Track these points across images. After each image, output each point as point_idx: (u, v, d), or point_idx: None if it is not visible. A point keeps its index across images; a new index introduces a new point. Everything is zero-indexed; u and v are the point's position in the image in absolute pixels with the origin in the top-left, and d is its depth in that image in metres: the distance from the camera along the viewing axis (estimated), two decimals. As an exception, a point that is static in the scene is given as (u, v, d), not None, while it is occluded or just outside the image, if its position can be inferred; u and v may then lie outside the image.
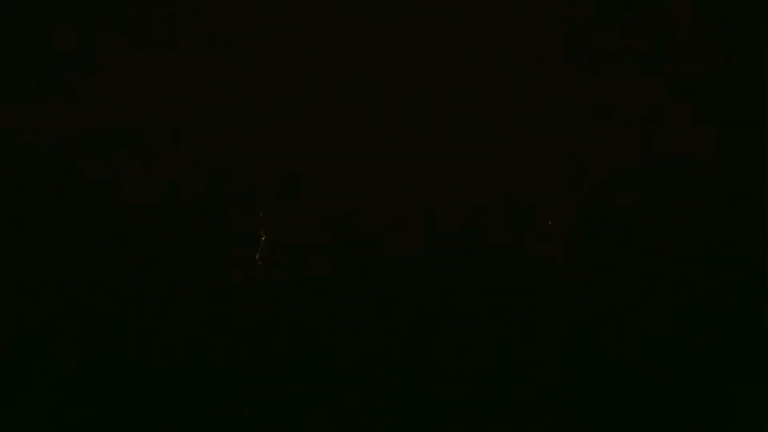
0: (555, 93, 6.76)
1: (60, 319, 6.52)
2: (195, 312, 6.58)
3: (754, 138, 6.58)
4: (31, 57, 6.67)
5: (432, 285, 6.71)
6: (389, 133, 6.81)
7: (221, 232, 6.75)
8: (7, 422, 5.86)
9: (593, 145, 6.72)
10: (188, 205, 6.73)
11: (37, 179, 6.65)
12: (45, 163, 6.68)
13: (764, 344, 6.28)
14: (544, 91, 6.77)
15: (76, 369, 6.32)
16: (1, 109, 6.67)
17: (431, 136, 6.81)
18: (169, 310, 6.58)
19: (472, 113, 6.80)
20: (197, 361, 6.38)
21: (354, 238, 6.77)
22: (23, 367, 6.33)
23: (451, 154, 6.80)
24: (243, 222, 6.78)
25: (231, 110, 6.78)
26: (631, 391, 6.14)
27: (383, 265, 6.76)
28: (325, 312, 6.64)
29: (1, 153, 6.65)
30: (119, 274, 6.63)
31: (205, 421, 5.92)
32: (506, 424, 5.86)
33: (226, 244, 6.74)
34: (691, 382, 6.18)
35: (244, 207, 6.78)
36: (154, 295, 6.61)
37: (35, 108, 6.67)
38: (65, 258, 6.63)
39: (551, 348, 6.47)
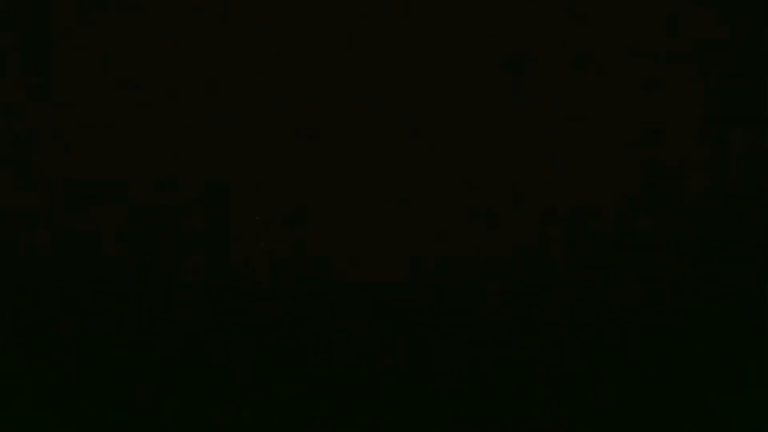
0: (555, 93, 6.77)
1: (60, 319, 6.52)
2: (195, 312, 6.58)
3: (755, 138, 6.58)
4: (29, 53, 6.68)
5: (431, 285, 6.71)
6: (389, 133, 6.81)
7: (221, 233, 6.75)
8: (7, 422, 5.86)
9: (593, 145, 6.72)
10: (188, 205, 6.73)
11: (37, 179, 6.65)
12: (45, 163, 6.68)
13: (764, 344, 6.28)
14: (544, 91, 6.77)
15: (76, 369, 6.32)
16: (0, 108, 6.67)
17: (431, 136, 6.82)
18: (169, 310, 6.58)
19: (472, 113, 6.81)
20: (197, 361, 6.39)
21: (353, 238, 6.78)
22: (23, 367, 6.33)
23: (451, 154, 6.80)
24: (242, 222, 6.78)
25: (231, 110, 6.78)
26: (631, 391, 6.14)
27: (382, 265, 6.76)
28: (325, 312, 6.64)
29: (1, 153, 6.65)
30: (119, 274, 6.63)
31: (205, 421, 5.92)
32: (506, 424, 5.86)
33: (226, 245, 6.74)
34: (691, 382, 6.18)
35: (243, 207, 6.78)
36: (154, 295, 6.61)
37: (35, 106, 6.68)
38: (65, 258, 6.63)
39: (551, 348, 6.47)
